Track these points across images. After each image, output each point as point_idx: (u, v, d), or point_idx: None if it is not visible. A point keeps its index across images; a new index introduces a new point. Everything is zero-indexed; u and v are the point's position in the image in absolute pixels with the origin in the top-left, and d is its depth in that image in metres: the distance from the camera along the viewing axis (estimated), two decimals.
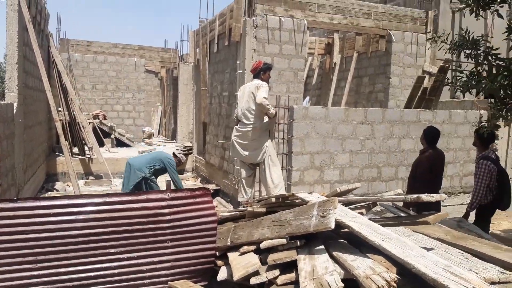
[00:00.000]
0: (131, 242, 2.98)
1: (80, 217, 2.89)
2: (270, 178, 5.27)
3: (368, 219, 2.73)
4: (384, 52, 9.00)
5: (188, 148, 11.96)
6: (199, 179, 10.85)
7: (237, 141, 5.45)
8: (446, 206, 7.00)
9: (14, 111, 5.76)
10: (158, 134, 19.32)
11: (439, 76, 6.76)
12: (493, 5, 3.34)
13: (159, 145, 15.07)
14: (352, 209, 2.99)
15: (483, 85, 3.16)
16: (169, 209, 3.09)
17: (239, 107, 5.50)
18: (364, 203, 3.29)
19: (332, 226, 2.42)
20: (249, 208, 3.43)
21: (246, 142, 5.36)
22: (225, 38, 8.48)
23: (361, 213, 2.79)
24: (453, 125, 6.92)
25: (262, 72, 5.36)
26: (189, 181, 10.78)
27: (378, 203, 4.58)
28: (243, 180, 5.58)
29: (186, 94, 15.46)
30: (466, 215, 4.52)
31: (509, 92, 3.19)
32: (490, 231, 4.84)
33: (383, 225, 2.65)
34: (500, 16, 3.39)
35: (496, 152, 4.76)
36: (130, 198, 3.07)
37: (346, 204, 3.24)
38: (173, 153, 6.63)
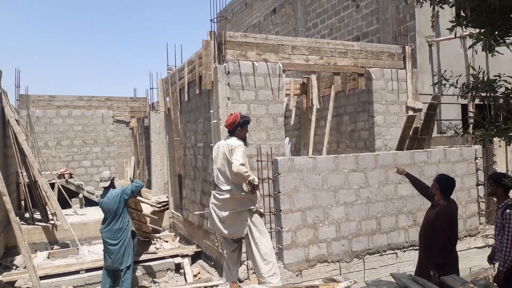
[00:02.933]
0: None
1: None
2: (259, 254, 4.43)
3: None
4: (364, 89, 8.63)
5: (164, 203, 11.03)
6: (178, 238, 9.89)
7: (215, 210, 4.60)
8: None
9: None
10: None
11: (430, 114, 6.33)
12: (508, 38, 2.85)
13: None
14: None
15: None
16: None
17: (215, 169, 4.71)
18: None
19: None
20: None
21: (225, 214, 4.50)
22: (196, 86, 7.91)
23: None
24: (449, 164, 6.42)
25: (239, 127, 4.60)
26: (167, 241, 9.79)
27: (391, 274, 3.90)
28: (226, 256, 4.72)
29: (159, 143, 14.65)
30: (499, 276, 3.88)
31: None
32: None
33: None
34: None
35: None
36: None
37: None
38: (112, 181, 6.45)
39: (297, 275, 5.32)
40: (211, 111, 7.22)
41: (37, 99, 13.96)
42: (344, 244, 5.62)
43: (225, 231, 4.51)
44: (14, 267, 8.15)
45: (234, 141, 4.52)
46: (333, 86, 9.38)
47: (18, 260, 8.38)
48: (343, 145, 10.40)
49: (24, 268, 7.60)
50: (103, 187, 6.31)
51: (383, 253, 5.87)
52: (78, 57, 71.50)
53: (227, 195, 4.46)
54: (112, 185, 6.38)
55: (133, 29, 75.59)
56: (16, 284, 6.99)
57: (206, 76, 7.07)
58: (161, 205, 10.85)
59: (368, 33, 10.80)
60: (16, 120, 9.73)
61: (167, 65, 10.39)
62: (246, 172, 4.25)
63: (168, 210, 10.90)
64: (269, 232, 4.92)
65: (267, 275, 4.38)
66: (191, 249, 8.30)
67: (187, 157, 9.17)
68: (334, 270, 5.59)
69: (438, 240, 3.96)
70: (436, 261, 3.97)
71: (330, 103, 9.76)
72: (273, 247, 4.82)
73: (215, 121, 7.05)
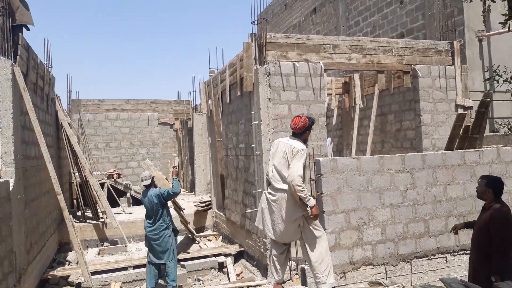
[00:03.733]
0: None
1: None
2: (314, 253, 4.35)
3: None
4: (409, 87, 8.34)
5: (207, 203, 11.23)
6: (221, 237, 10.04)
7: (267, 213, 4.51)
8: None
9: (11, 188, 5.21)
10: None
11: (481, 112, 6.00)
12: None
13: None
14: None
15: None
16: None
17: (270, 165, 4.59)
18: None
19: None
20: None
21: (278, 220, 4.40)
22: (237, 88, 7.99)
23: None
24: (503, 164, 6.05)
25: (308, 130, 4.53)
26: (211, 240, 9.96)
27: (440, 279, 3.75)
28: (274, 257, 4.66)
29: (202, 145, 14.98)
30: None
31: None
32: None
33: None
34: None
35: None
36: None
37: None
38: (152, 180, 6.67)
39: (341, 278, 5.22)
40: (252, 113, 7.27)
41: (87, 103, 14.68)
42: (390, 247, 5.46)
43: (278, 236, 4.46)
44: (67, 262, 8.61)
45: (298, 143, 4.43)
46: (376, 84, 9.16)
47: (71, 256, 8.85)
48: (388, 145, 10.12)
49: (77, 263, 8.02)
50: (144, 186, 6.58)
51: (432, 257, 5.63)
52: (125, 62, 74.44)
53: (282, 194, 4.35)
54: (152, 184, 6.62)
55: (176, 34, 77.64)
56: (69, 279, 7.37)
57: (247, 78, 7.13)
58: (204, 204, 11.07)
59: (413, 30, 10.44)
60: (68, 123, 10.28)
61: (209, 68, 10.60)
62: (300, 186, 4.13)
63: (211, 210, 11.09)
64: None
65: (322, 275, 4.31)
66: (233, 249, 8.39)
67: (229, 158, 9.29)
68: (380, 273, 5.43)
69: (494, 244, 3.75)
70: (496, 266, 3.76)
71: (374, 102, 9.53)
72: None
73: (256, 122, 7.09)
